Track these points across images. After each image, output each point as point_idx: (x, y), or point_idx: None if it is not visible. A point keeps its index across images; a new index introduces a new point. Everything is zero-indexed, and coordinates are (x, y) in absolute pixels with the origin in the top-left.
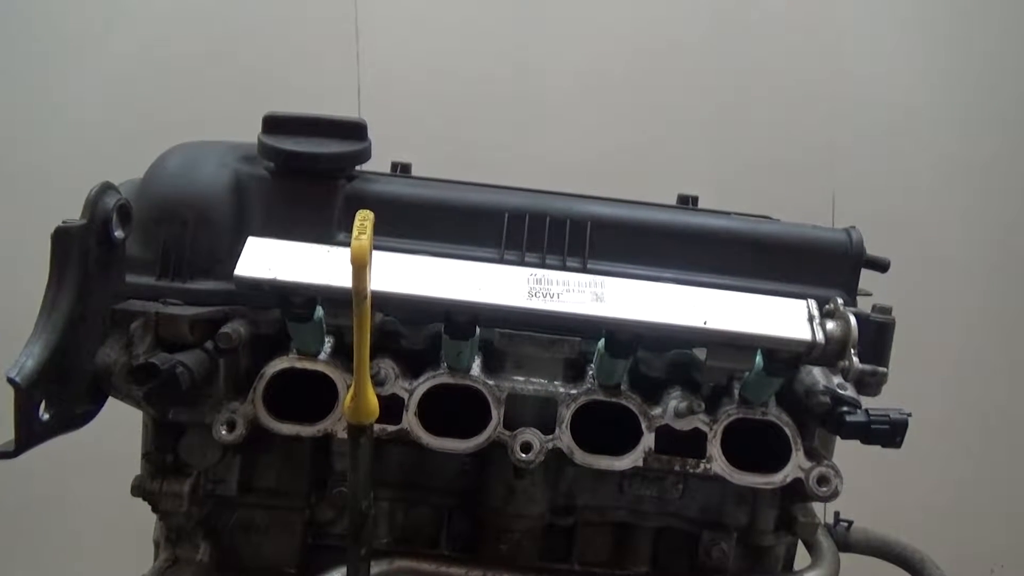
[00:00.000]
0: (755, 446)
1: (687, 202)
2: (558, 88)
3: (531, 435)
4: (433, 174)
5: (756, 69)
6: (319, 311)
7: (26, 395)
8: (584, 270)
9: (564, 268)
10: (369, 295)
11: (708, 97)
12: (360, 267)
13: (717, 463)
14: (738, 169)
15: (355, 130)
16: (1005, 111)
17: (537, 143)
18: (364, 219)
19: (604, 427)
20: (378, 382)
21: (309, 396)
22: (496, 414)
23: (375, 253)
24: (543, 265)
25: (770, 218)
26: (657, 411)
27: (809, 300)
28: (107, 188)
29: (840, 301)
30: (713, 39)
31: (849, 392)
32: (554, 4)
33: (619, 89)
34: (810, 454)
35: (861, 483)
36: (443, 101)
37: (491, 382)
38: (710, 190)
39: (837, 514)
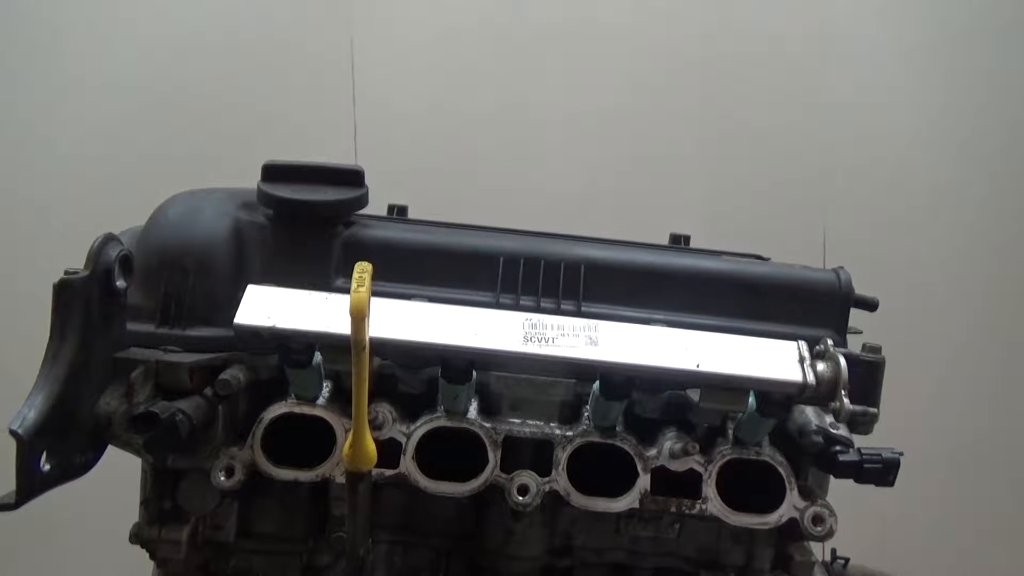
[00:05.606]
0: (751, 484)
1: (679, 241)
2: (552, 123)
3: (528, 477)
4: (429, 206)
5: (750, 92)
6: (317, 357)
7: (28, 447)
8: (578, 313)
9: (559, 311)
10: (368, 345)
11: (701, 128)
12: (359, 319)
13: (713, 503)
14: (733, 191)
15: (352, 177)
16: (997, 149)
17: (531, 177)
18: (363, 271)
19: (601, 466)
20: (376, 426)
21: (308, 439)
22: (493, 457)
23: (372, 300)
24: (538, 308)
25: (761, 257)
26: (652, 452)
27: (800, 342)
28: (110, 239)
29: (830, 342)
30: (705, 74)
31: (842, 431)
32: (547, 44)
33: (614, 122)
34: (805, 493)
35: (856, 519)
36: (438, 137)
37: (488, 425)
38: (705, 214)
39: (834, 551)
